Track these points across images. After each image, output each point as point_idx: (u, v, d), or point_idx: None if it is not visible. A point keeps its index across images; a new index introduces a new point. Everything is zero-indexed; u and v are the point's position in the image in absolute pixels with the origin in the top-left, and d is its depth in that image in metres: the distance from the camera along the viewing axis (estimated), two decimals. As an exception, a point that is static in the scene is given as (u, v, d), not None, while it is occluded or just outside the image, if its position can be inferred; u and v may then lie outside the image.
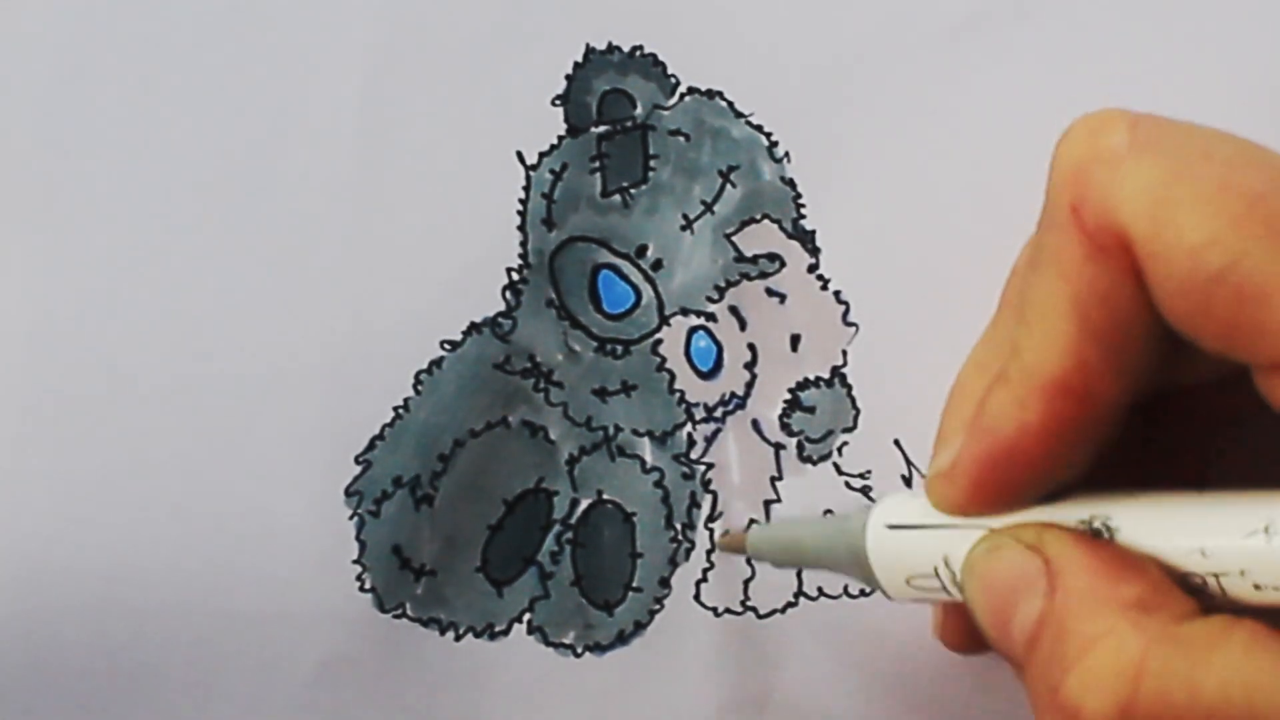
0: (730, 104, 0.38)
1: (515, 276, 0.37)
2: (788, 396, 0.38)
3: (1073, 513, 0.27)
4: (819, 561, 0.32)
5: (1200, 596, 0.25)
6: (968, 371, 0.30)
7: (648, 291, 0.38)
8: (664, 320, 0.38)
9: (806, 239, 0.38)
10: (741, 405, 0.38)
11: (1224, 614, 0.24)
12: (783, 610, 0.37)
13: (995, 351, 0.28)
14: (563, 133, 0.37)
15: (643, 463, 0.37)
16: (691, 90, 0.38)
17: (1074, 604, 0.25)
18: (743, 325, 0.38)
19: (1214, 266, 0.23)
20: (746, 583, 0.37)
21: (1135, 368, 0.26)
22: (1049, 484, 0.27)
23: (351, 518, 0.37)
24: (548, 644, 0.37)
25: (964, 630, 0.30)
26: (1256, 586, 0.24)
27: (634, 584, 0.37)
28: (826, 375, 0.38)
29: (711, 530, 0.37)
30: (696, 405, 0.38)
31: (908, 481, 0.37)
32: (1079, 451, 0.27)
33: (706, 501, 0.38)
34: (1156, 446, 0.29)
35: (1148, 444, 0.29)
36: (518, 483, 0.37)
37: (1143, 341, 0.25)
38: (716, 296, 0.38)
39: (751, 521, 0.37)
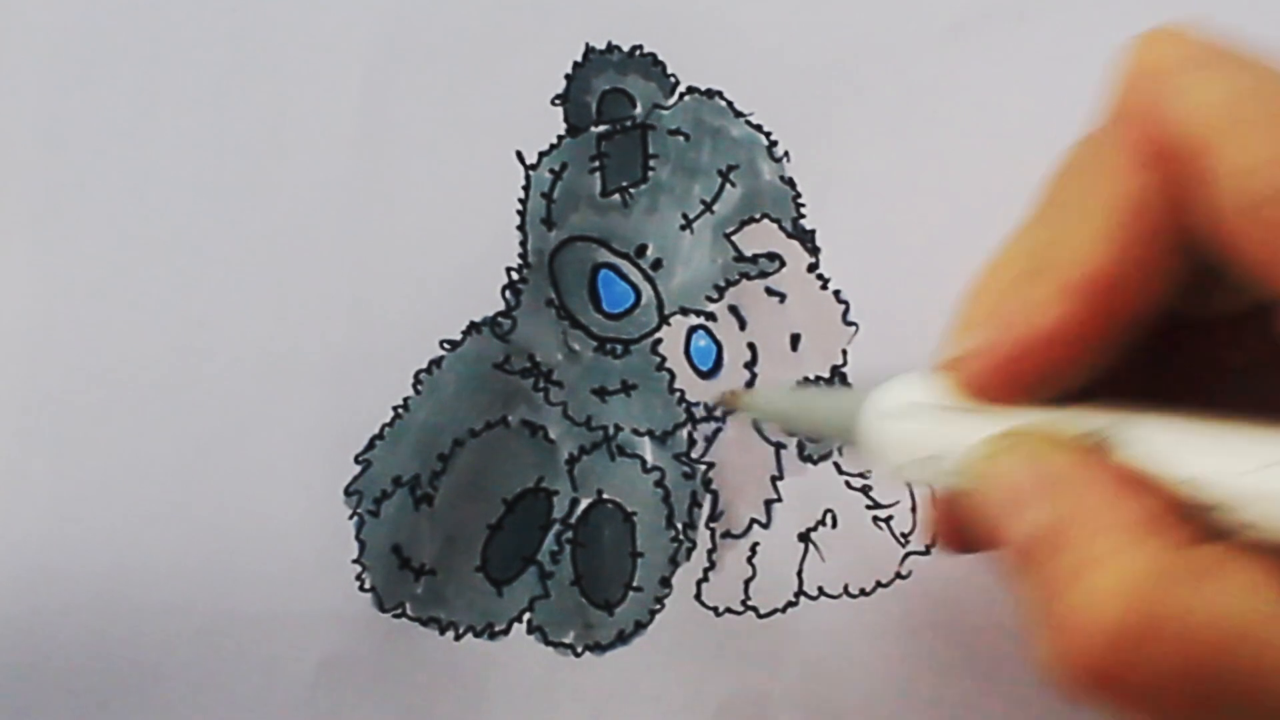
0: (730, 103, 0.38)
1: (515, 276, 0.37)
2: (788, 396, 0.38)
3: (1081, 422, 0.26)
4: (815, 430, 0.32)
5: (1205, 523, 0.24)
6: (995, 266, 0.29)
7: (647, 291, 0.38)
8: (664, 320, 0.38)
9: (806, 238, 0.38)
10: (741, 405, 0.38)
11: (1228, 542, 0.24)
12: (783, 610, 0.37)
13: (1026, 250, 0.28)
14: (562, 132, 0.37)
15: (643, 462, 0.37)
16: (691, 90, 0.38)
17: (1078, 519, 0.24)
18: (742, 325, 0.38)
19: (1272, 187, 0.23)
20: (747, 582, 0.37)
21: (1165, 284, 0.26)
22: (1063, 386, 0.26)
23: (351, 517, 0.37)
24: (548, 643, 0.37)
25: (957, 527, 0.29)
26: (1254, 523, 0.24)
27: (634, 583, 0.37)
28: (826, 374, 0.38)
29: (713, 530, 0.37)
30: (696, 404, 0.38)
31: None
32: (1100, 356, 0.26)
33: (707, 501, 0.37)
34: (1162, 377, 0.29)
35: (1153, 373, 0.28)
36: (517, 482, 0.37)
37: (1178, 259, 0.25)
38: (716, 296, 0.38)
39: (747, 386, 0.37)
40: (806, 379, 0.38)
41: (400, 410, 0.37)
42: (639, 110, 0.38)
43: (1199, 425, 0.25)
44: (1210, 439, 0.25)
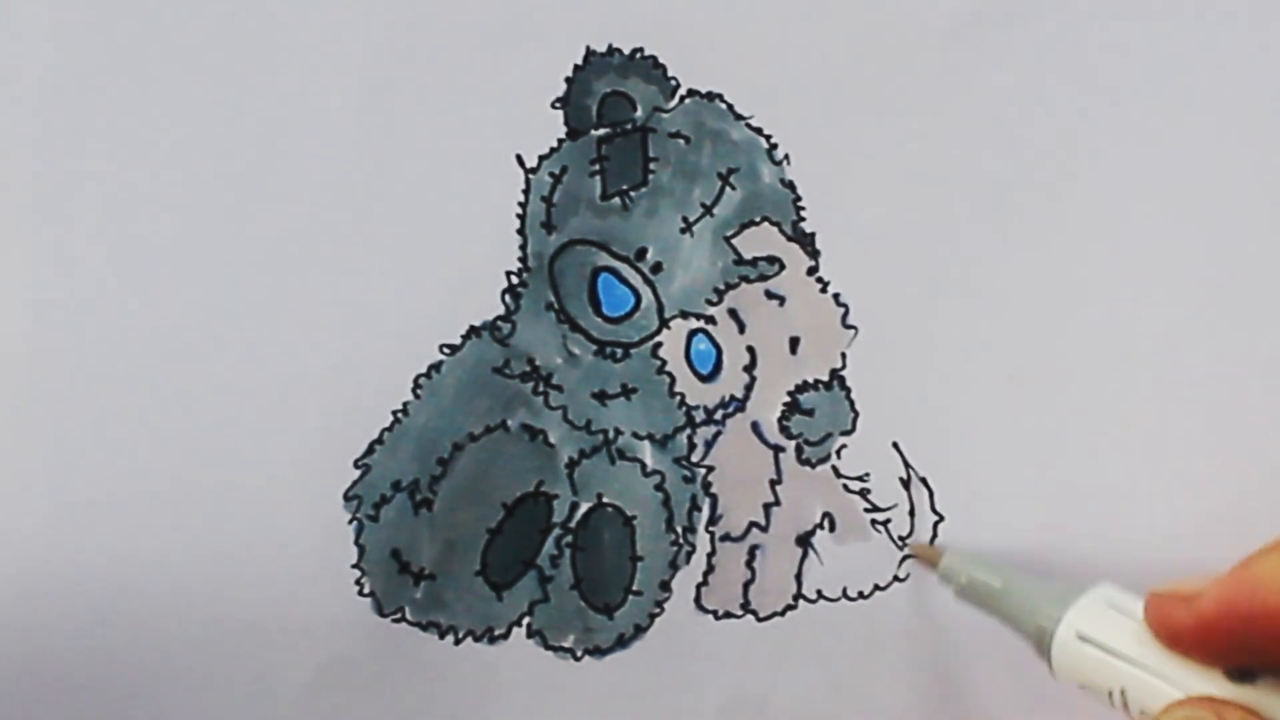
0: (730, 106, 0.37)
1: (514, 280, 0.37)
2: (787, 399, 0.38)
3: (1261, 707, 0.28)
4: (1005, 621, 0.34)
5: None
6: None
7: (647, 294, 0.38)
8: (664, 323, 0.38)
9: (806, 241, 0.38)
10: (741, 408, 0.38)
11: None
12: (782, 613, 0.38)
13: None
14: (562, 135, 0.37)
15: (643, 466, 0.37)
16: (691, 93, 0.37)
17: None
18: (742, 328, 0.38)
19: None
20: (746, 586, 0.38)
21: None
22: (1258, 661, 0.28)
23: (350, 522, 0.37)
24: (547, 647, 0.37)
25: None
26: None
27: (634, 587, 0.37)
28: (825, 378, 0.38)
29: (712, 534, 0.38)
30: (696, 408, 0.38)
31: (905, 484, 0.37)
32: None
33: (707, 505, 0.38)
34: None
35: None
36: (517, 486, 0.37)
37: None
38: (716, 299, 0.38)
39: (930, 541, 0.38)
40: (806, 382, 0.38)
41: (400, 414, 0.37)
42: (639, 113, 0.37)
43: None
44: None
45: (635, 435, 0.37)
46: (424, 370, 0.37)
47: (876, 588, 0.38)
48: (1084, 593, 0.32)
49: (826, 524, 0.38)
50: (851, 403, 0.38)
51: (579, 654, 0.37)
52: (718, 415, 0.38)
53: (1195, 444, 0.37)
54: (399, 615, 0.37)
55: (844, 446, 0.38)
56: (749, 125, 0.38)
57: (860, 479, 0.38)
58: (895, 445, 0.38)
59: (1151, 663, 0.30)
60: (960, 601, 0.35)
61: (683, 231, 0.38)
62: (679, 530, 0.37)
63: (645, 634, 0.37)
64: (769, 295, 0.38)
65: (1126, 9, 0.38)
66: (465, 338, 0.37)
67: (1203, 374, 0.37)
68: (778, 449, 0.38)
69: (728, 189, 0.38)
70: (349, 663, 0.37)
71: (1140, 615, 0.31)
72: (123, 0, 0.36)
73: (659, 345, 0.38)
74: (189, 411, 0.36)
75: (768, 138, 0.38)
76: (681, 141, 0.37)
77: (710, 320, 0.38)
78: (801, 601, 0.38)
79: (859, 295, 0.38)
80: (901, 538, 0.37)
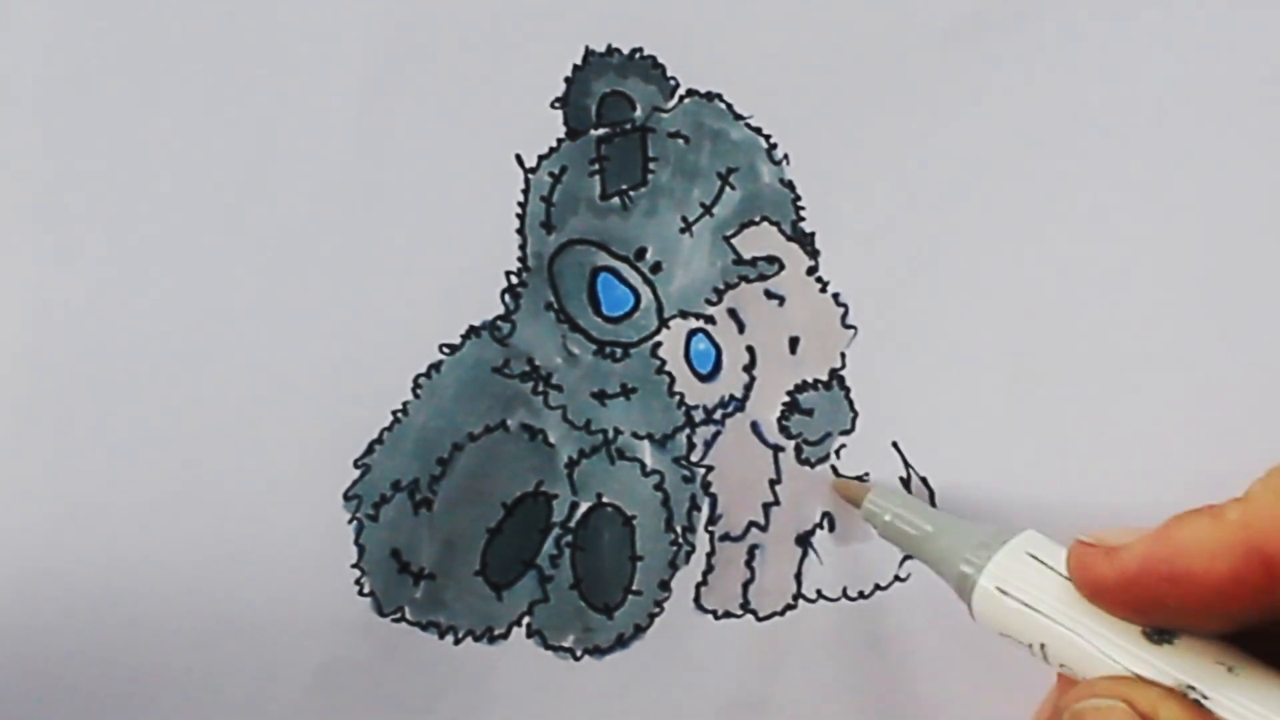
0: (729, 106, 0.37)
1: (514, 280, 0.37)
2: (786, 399, 0.38)
3: (1178, 669, 0.28)
4: (928, 564, 0.34)
5: None
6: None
7: (647, 294, 0.38)
8: (663, 323, 0.38)
9: (805, 241, 0.38)
10: (740, 408, 0.38)
11: None
12: (782, 613, 0.38)
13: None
14: (562, 135, 0.37)
15: (643, 465, 0.37)
16: (691, 92, 0.37)
17: None
18: (741, 328, 0.38)
19: None
20: (746, 586, 0.38)
21: None
22: (1174, 623, 0.28)
23: (350, 521, 0.37)
24: (547, 647, 0.37)
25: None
26: None
27: (634, 587, 0.37)
28: (825, 378, 0.38)
29: (712, 533, 0.38)
30: (696, 408, 0.38)
31: (906, 484, 0.38)
32: (1231, 621, 0.28)
33: (706, 504, 0.38)
34: None
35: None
36: (517, 486, 0.37)
37: None
38: (715, 299, 0.38)
39: (859, 477, 0.38)
40: (805, 382, 0.38)
41: (399, 414, 0.37)
42: (639, 113, 0.37)
43: None
44: None
45: (635, 435, 0.37)
46: (424, 370, 0.37)
47: (877, 588, 0.38)
48: (1006, 541, 0.32)
49: (826, 524, 0.38)
50: (851, 402, 0.38)
51: (579, 654, 0.37)
52: (717, 415, 0.38)
53: (1196, 443, 0.37)
54: (399, 615, 0.37)
55: (844, 446, 0.38)
56: (748, 125, 0.38)
57: (860, 479, 0.38)
58: (895, 445, 0.38)
59: (1071, 621, 0.30)
60: (884, 540, 0.35)
61: (682, 231, 0.38)
62: (678, 530, 0.37)
63: (645, 634, 0.37)
64: (768, 295, 0.38)
65: (1126, 9, 0.38)
66: (465, 337, 0.37)
67: (1205, 373, 0.37)
68: (777, 449, 0.38)
69: (727, 189, 0.38)
70: (349, 663, 0.37)
71: (1062, 568, 0.30)
72: (123, 0, 0.36)
73: (658, 345, 0.38)
74: (189, 411, 0.36)
75: (767, 138, 0.38)
76: (681, 141, 0.37)
77: (710, 320, 0.38)
78: (801, 601, 0.38)
79: (859, 295, 0.38)
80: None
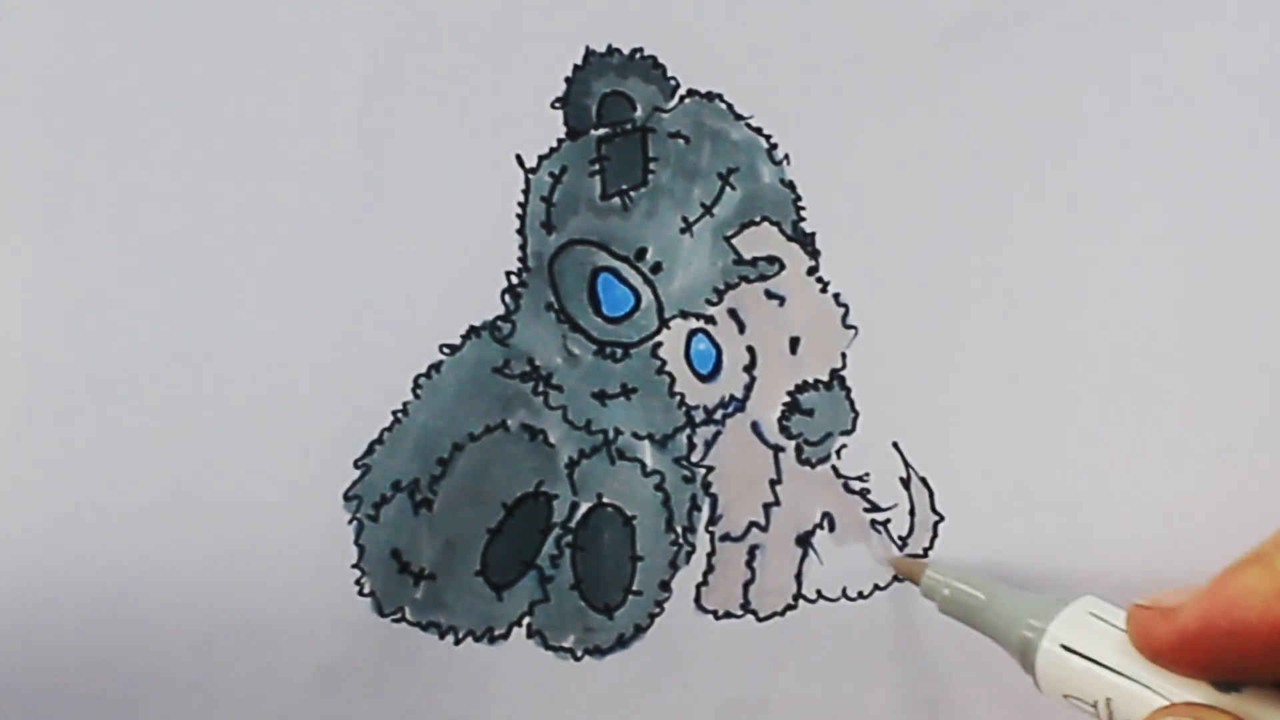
0: (730, 106, 0.37)
1: (514, 280, 0.37)
2: (786, 399, 0.38)
3: (1248, 716, 0.28)
4: (990, 634, 0.34)
5: None
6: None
7: (647, 294, 0.38)
8: (663, 323, 0.38)
9: (806, 241, 0.38)
10: (741, 408, 0.38)
11: None
12: (782, 613, 0.38)
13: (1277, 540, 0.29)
14: (562, 135, 0.37)
15: (643, 466, 0.37)
16: (691, 92, 0.37)
17: None
18: (742, 328, 0.38)
19: None
20: (746, 586, 0.38)
21: None
22: (1240, 675, 0.28)
23: (350, 522, 0.37)
24: (547, 647, 0.37)
25: None
26: None
27: (634, 587, 0.37)
28: (825, 378, 0.38)
29: (712, 533, 0.37)
30: (696, 408, 0.38)
31: (905, 484, 0.37)
32: None
33: (706, 505, 0.38)
34: None
35: None
36: (517, 486, 0.37)
37: None
38: (716, 299, 0.38)
39: (913, 555, 0.38)
40: (806, 382, 0.38)
41: (400, 414, 0.37)
42: (639, 113, 0.37)
43: None
44: None
45: (635, 435, 0.37)
46: (424, 370, 0.37)
47: (876, 588, 0.38)
48: (1067, 604, 0.32)
49: (826, 524, 0.38)
50: (851, 403, 0.38)
51: (579, 654, 0.37)
52: (717, 415, 0.38)
53: (1196, 442, 0.37)
54: (399, 615, 0.37)
55: (844, 446, 0.38)
56: (749, 125, 0.38)
57: (860, 479, 0.38)
58: (895, 445, 0.38)
59: (1136, 673, 0.30)
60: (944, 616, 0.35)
61: (682, 231, 0.38)
62: (679, 530, 0.37)
63: (645, 634, 0.37)
64: (769, 295, 0.38)
65: (1127, 9, 0.38)
66: (465, 338, 0.37)
67: (1204, 373, 0.37)
68: (777, 449, 0.38)
69: (727, 189, 0.38)
70: (349, 663, 0.37)
71: (1123, 625, 0.31)
72: (123, 1, 0.36)
73: (659, 345, 0.38)
74: (189, 411, 0.36)
75: (767, 138, 0.38)
76: (681, 141, 0.37)
77: (710, 320, 0.38)
78: (801, 601, 0.38)
79: (859, 295, 0.38)
80: (901, 537, 0.37)
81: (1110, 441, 0.37)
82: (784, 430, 0.38)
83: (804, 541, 0.38)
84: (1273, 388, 0.37)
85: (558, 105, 0.37)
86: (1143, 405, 0.37)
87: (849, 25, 0.37)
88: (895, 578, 0.38)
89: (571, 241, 0.37)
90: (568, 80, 0.37)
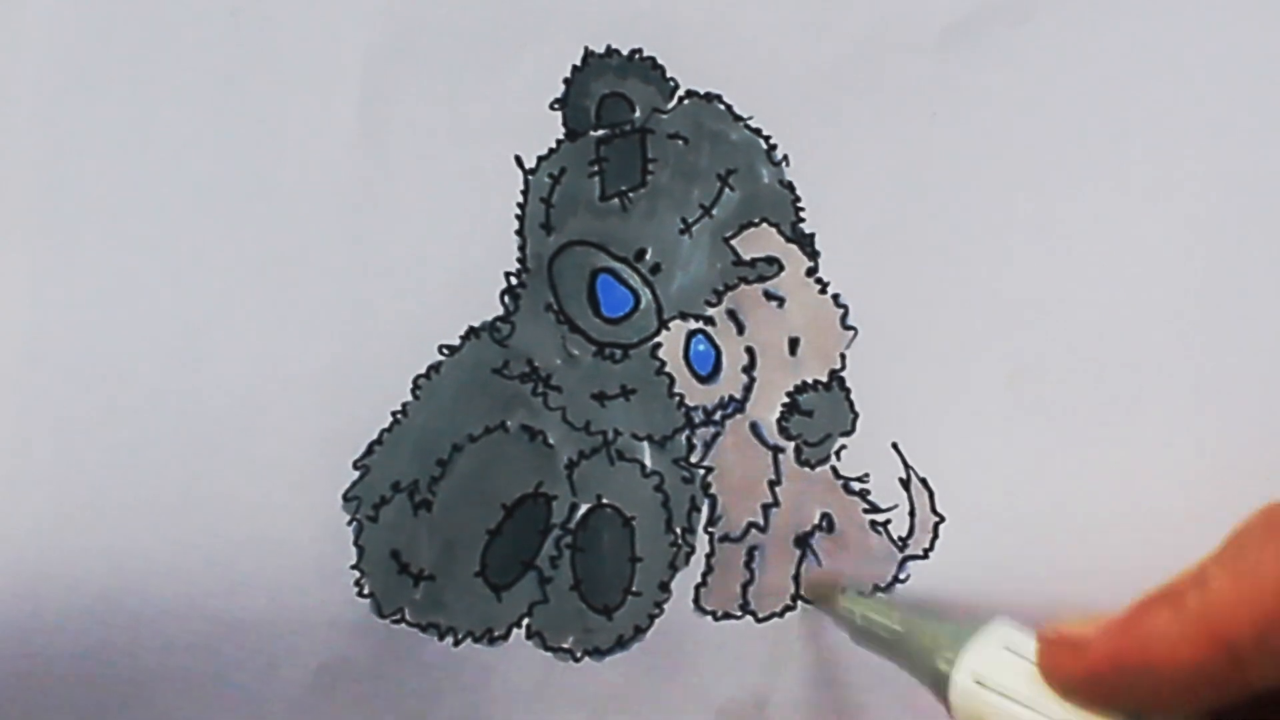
0: (729, 107, 0.37)
1: (513, 281, 0.37)
2: (786, 400, 0.38)
3: None
4: (903, 665, 0.34)
5: None
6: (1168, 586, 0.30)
7: (646, 295, 0.38)
8: (663, 324, 0.38)
9: (805, 242, 0.38)
10: (740, 409, 0.38)
11: None
12: (781, 614, 0.38)
13: (1194, 580, 0.29)
14: (561, 136, 0.37)
15: (642, 467, 0.37)
16: (690, 94, 0.37)
17: None
18: (741, 329, 0.38)
19: None
20: (745, 586, 0.38)
21: None
22: (1152, 711, 0.29)
23: (350, 523, 0.37)
24: (547, 649, 0.37)
25: None
26: None
27: (633, 588, 0.37)
28: (825, 379, 0.38)
29: (711, 534, 0.37)
30: (695, 409, 0.38)
31: (905, 485, 0.37)
32: (1202, 708, 0.28)
33: (706, 505, 0.38)
34: None
35: None
36: (516, 487, 0.37)
37: None
38: (715, 300, 0.38)
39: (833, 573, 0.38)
40: (805, 383, 0.38)
41: (399, 415, 0.37)
42: (638, 114, 0.37)
43: None
44: None
45: (634, 436, 0.37)
46: (423, 371, 0.37)
47: (876, 588, 0.38)
48: (977, 632, 0.32)
49: (826, 525, 0.38)
50: (851, 403, 0.38)
51: (578, 655, 0.37)
52: (717, 416, 0.38)
53: (1195, 443, 0.37)
54: (398, 616, 0.37)
55: (843, 447, 0.38)
56: (748, 126, 0.38)
57: (860, 480, 0.38)
58: (895, 446, 0.38)
59: (1048, 707, 0.30)
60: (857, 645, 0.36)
61: (681, 232, 0.38)
62: (678, 531, 0.37)
63: (644, 635, 0.37)
64: (768, 296, 0.38)
65: (1126, 9, 0.38)
66: (464, 339, 0.37)
67: (1205, 373, 0.37)
68: (777, 450, 0.38)
69: (727, 190, 0.38)
70: (348, 664, 0.37)
71: (1034, 657, 0.31)
72: (123, 1, 0.36)
73: (658, 346, 0.38)
74: (188, 411, 0.36)
75: (767, 139, 0.38)
76: (680, 142, 0.37)
77: (709, 321, 0.38)
78: (801, 602, 0.38)
79: (859, 295, 0.38)
80: (901, 538, 0.37)
81: (1111, 442, 0.37)
82: (783, 431, 0.38)
83: (803, 542, 0.38)
84: (1273, 388, 0.37)
85: (556, 106, 0.37)
86: (1143, 405, 0.37)
87: (848, 26, 0.37)
88: (895, 578, 0.37)
89: (571, 242, 0.37)
90: (566, 81, 0.37)
